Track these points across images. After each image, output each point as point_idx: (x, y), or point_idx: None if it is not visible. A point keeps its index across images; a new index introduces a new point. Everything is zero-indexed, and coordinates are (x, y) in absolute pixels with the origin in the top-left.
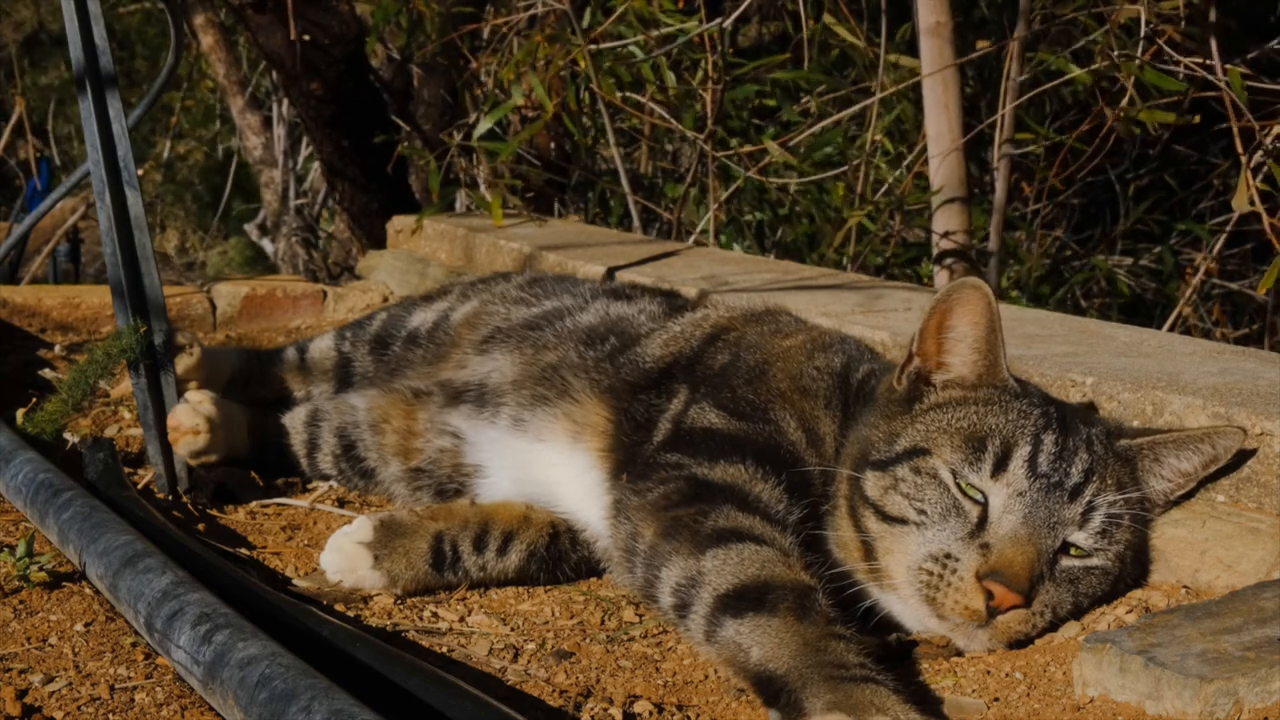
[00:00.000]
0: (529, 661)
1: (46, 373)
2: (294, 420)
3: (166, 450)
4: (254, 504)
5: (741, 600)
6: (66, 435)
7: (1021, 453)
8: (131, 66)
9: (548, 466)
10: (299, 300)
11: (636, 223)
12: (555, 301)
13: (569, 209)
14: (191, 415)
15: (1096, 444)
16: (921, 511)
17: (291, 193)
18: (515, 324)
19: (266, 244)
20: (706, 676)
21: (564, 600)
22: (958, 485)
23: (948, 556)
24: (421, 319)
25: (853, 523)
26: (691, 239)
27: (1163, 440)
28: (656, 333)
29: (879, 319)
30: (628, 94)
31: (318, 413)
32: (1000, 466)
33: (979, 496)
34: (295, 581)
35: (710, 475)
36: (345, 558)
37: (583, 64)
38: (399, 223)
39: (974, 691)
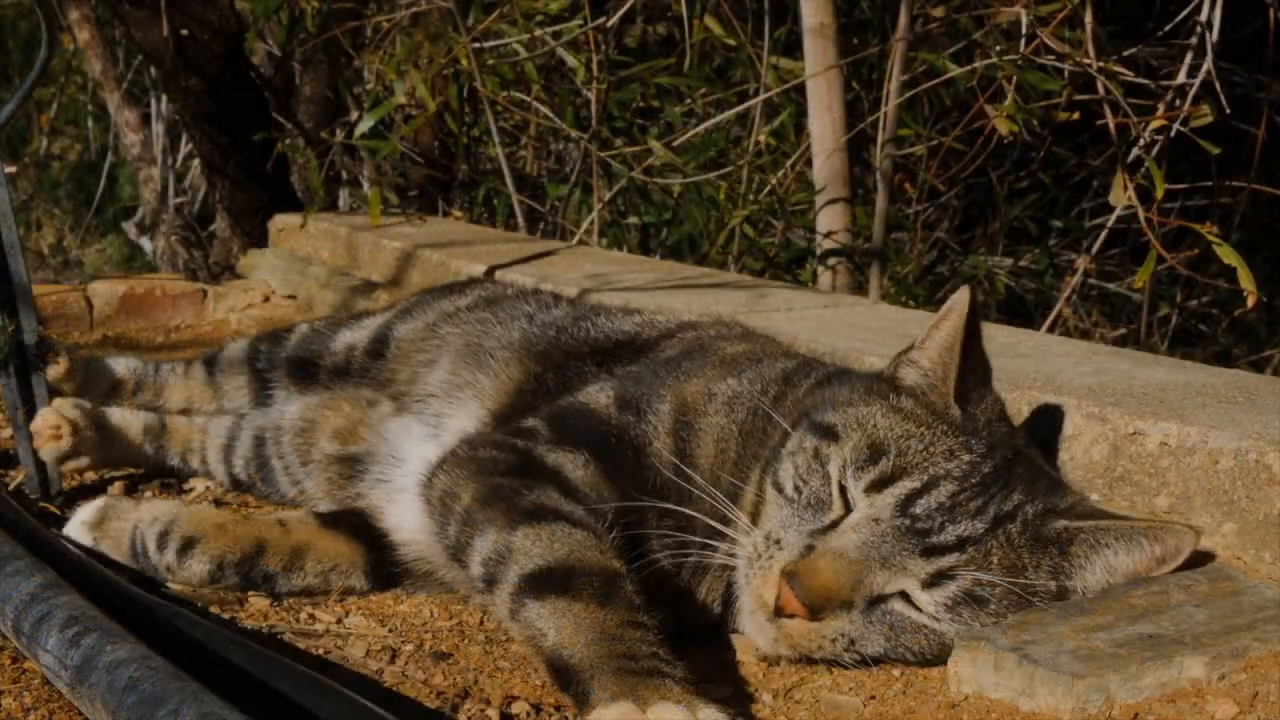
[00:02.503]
0: (406, 663)
1: None
2: (217, 430)
3: (37, 453)
4: None
5: (546, 582)
6: None
7: (905, 485)
8: (6, 62)
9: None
10: (178, 299)
11: (521, 222)
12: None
13: (454, 207)
14: (53, 419)
15: (1013, 521)
16: (797, 489)
17: (171, 191)
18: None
19: (145, 242)
20: None
21: (442, 601)
22: (839, 483)
23: (778, 542)
24: (354, 338)
25: (760, 479)
26: (575, 239)
27: (1105, 527)
28: (615, 316)
29: (762, 319)
30: (511, 92)
31: (236, 425)
32: (878, 486)
33: (848, 503)
34: (170, 584)
35: (547, 454)
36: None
37: (465, 62)
38: (281, 221)
39: (850, 689)
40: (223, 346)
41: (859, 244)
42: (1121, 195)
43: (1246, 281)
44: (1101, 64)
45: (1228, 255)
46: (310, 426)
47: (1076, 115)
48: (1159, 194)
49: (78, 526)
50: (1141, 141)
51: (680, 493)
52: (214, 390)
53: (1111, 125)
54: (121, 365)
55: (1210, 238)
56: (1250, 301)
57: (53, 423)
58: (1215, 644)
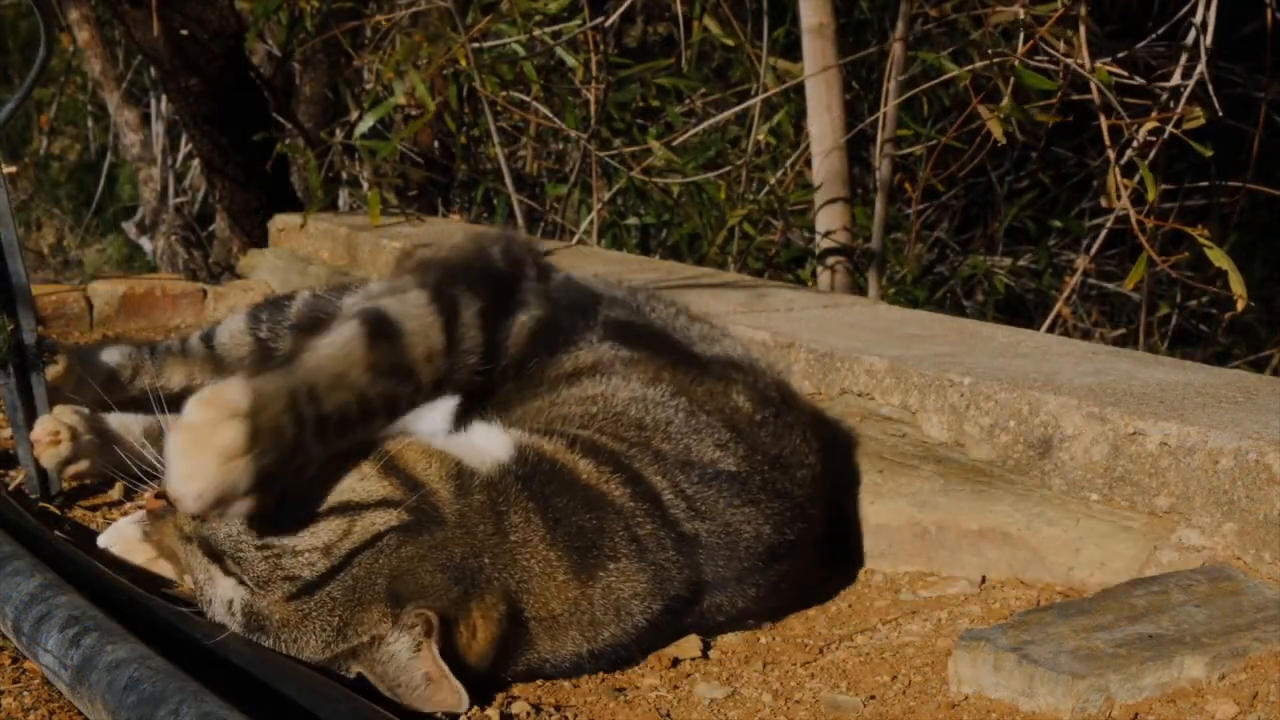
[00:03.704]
0: None
1: None
2: None
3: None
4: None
5: None
6: None
7: None
8: (6, 62)
9: None
10: (178, 299)
11: (520, 222)
12: None
13: (453, 208)
14: (51, 425)
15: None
16: None
17: (171, 191)
18: None
19: (145, 242)
20: (585, 677)
21: None
22: None
23: None
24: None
25: None
26: (575, 239)
27: None
28: None
29: (762, 319)
30: (510, 92)
31: None
32: None
33: None
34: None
35: None
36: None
37: (464, 62)
38: (281, 221)
39: (850, 689)
40: (218, 321)
41: (858, 244)
42: (1114, 198)
43: (1237, 285)
44: (1095, 66)
45: (1218, 258)
46: None
47: (1070, 119)
48: (1151, 196)
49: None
50: (1135, 143)
51: None
52: (214, 364)
53: (1105, 127)
54: (115, 354)
55: (1202, 241)
56: (1239, 305)
57: (51, 429)
58: (1215, 644)
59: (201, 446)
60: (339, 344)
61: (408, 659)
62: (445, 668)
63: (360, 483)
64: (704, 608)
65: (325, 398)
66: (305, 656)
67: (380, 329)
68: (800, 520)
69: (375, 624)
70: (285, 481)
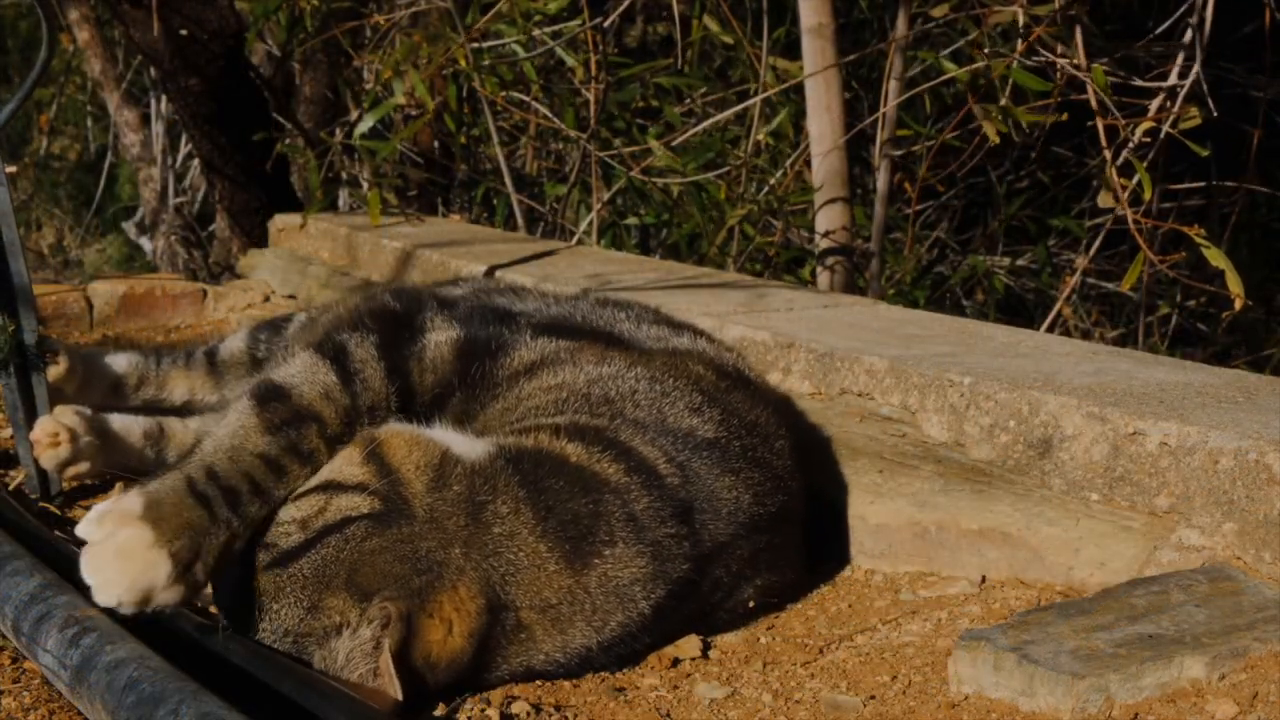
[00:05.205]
0: None
1: None
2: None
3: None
4: None
5: None
6: None
7: None
8: (6, 62)
9: None
10: (178, 299)
11: (520, 222)
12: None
13: (453, 208)
14: (51, 426)
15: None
16: None
17: (171, 191)
18: None
19: (145, 242)
20: (585, 677)
21: None
22: None
23: None
24: None
25: None
26: (575, 239)
27: None
28: None
29: (762, 319)
30: (510, 92)
31: None
32: None
33: None
34: None
35: None
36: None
37: (463, 62)
38: (281, 221)
39: (850, 689)
40: (224, 336)
41: (858, 244)
42: (1109, 197)
43: (1234, 285)
44: (1091, 66)
45: (1215, 258)
46: None
47: (1065, 117)
48: (1147, 196)
49: None
50: (1131, 143)
51: None
52: (216, 380)
53: (1100, 127)
54: (123, 361)
55: (1198, 240)
56: (1237, 305)
57: (51, 430)
58: (1215, 644)
59: (108, 557)
60: (232, 422)
61: (370, 649)
62: (391, 666)
63: (344, 466)
64: (707, 585)
65: (225, 473)
66: (282, 634)
67: (268, 395)
68: (780, 493)
69: (340, 610)
70: (220, 558)
